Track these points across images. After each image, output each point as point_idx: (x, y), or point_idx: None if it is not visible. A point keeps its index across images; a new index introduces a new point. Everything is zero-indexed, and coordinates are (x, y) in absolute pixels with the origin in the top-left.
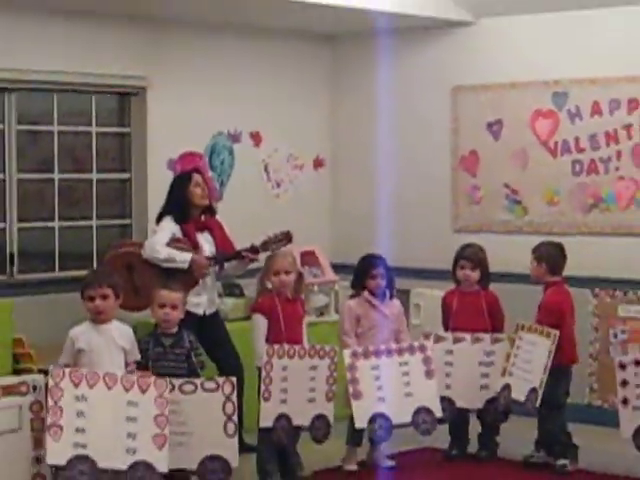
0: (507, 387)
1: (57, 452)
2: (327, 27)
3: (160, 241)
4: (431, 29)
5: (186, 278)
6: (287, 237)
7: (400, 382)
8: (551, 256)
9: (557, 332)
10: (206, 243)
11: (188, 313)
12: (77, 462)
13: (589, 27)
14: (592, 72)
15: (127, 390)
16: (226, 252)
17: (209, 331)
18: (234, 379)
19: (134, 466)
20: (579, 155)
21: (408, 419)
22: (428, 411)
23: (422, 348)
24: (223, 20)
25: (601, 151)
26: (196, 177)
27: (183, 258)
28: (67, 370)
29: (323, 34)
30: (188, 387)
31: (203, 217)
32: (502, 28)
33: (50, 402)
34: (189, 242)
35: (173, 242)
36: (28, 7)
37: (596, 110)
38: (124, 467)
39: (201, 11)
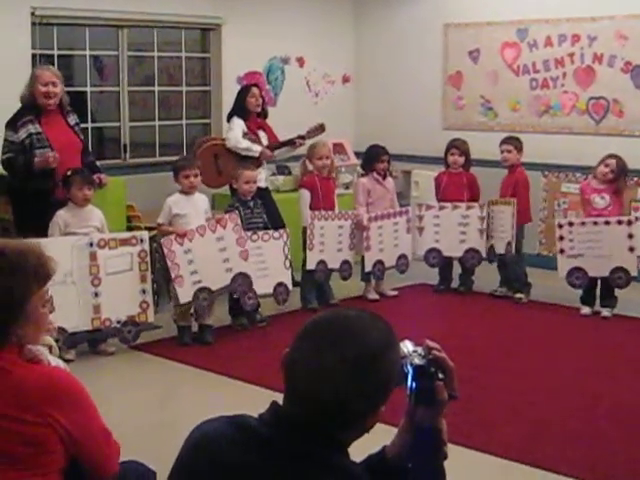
0: (492, 247)
1: (184, 293)
2: None
3: (239, 135)
4: None
5: (254, 162)
6: (322, 127)
7: (392, 237)
8: (520, 145)
9: (515, 199)
10: (262, 137)
11: None
12: (199, 293)
13: None
14: (546, 14)
15: (213, 231)
16: (279, 141)
17: (263, 198)
18: (288, 231)
19: (234, 278)
20: (535, 75)
21: (393, 263)
22: (405, 256)
23: (406, 212)
24: None
25: (551, 72)
26: (253, 89)
27: (256, 148)
28: (172, 237)
29: None
30: (265, 236)
31: (259, 119)
32: None
33: (169, 263)
34: (254, 135)
35: (245, 135)
36: None
37: (548, 42)
38: (228, 282)
39: None
